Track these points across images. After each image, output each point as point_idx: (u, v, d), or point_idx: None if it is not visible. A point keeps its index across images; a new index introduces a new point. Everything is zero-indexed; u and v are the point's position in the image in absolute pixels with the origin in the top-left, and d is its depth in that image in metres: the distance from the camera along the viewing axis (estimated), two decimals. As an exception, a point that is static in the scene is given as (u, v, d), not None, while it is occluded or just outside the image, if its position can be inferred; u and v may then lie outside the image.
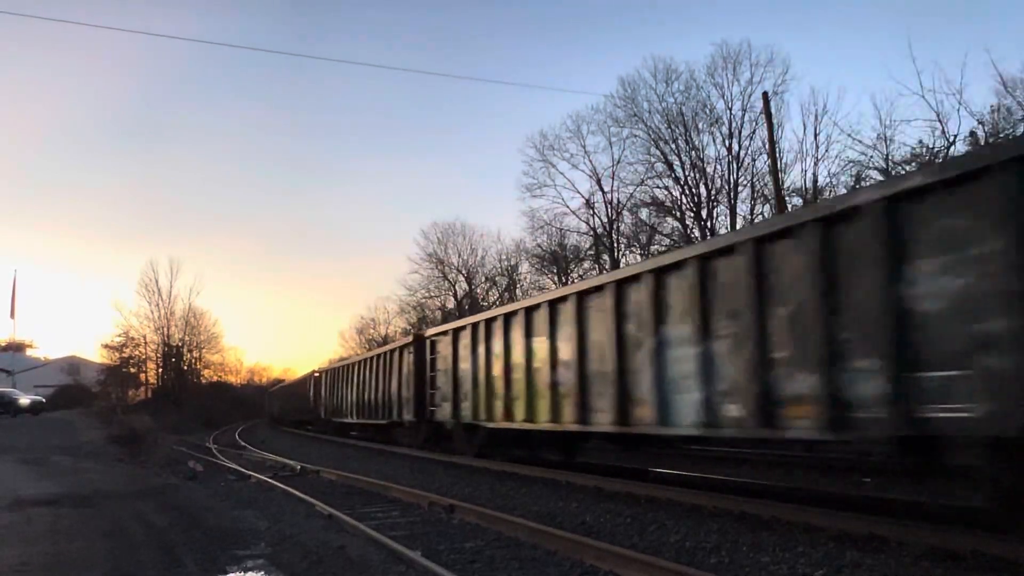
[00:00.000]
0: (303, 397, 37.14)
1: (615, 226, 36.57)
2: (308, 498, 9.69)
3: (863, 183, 25.49)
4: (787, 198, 26.93)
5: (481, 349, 13.60)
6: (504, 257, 45.09)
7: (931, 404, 5.54)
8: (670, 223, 34.27)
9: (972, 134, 23.00)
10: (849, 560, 5.35)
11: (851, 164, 27.32)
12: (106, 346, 55.66)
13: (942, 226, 5.56)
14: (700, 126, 33.04)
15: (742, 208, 32.12)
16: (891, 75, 55.10)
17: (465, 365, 14.35)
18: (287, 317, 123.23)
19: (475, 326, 14.10)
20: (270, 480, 12.43)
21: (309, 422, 35.13)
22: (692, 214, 33.19)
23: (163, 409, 40.63)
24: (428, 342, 16.94)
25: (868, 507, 7.07)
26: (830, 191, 28.20)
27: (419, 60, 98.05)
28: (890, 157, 25.84)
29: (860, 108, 73.75)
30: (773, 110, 25.34)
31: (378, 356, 21.91)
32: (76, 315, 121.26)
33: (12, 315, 54.15)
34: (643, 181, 34.53)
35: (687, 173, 33.12)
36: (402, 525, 7.71)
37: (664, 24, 73.23)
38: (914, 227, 5.77)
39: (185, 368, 58.92)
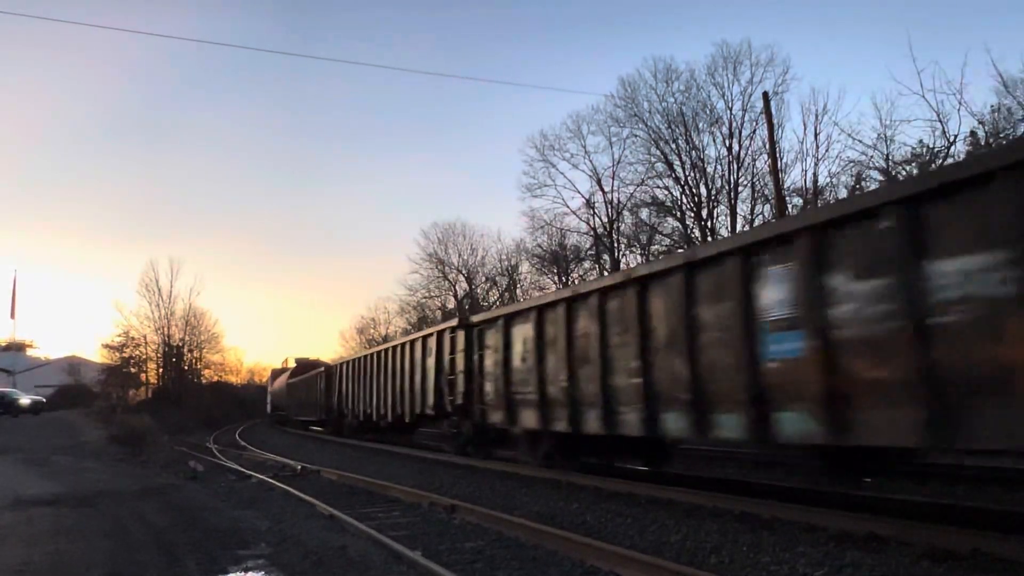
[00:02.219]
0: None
1: (615, 226, 36.60)
2: (309, 498, 9.70)
3: (864, 183, 25.54)
4: (787, 198, 26.95)
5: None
6: (504, 257, 45.18)
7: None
8: (670, 223, 34.29)
9: (972, 134, 23.00)
10: (849, 560, 5.35)
11: (851, 164, 27.34)
12: (106, 346, 55.64)
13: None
14: (700, 126, 33.09)
15: (742, 208, 32.17)
16: (891, 75, 54.96)
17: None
18: (287, 317, 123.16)
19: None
20: (271, 480, 12.43)
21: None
22: (692, 214, 33.23)
23: (163, 409, 40.60)
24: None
25: (868, 507, 7.08)
26: (830, 191, 28.24)
27: (419, 60, 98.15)
28: (890, 157, 25.83)
29: (860, 108, 73.63)
30: (773, 110, 25.35)
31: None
32: (76, 315, 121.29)
33: (12, 315, 54.31)
34: (643, 181, 34.59)
35: (687, 173, 33.17)
36: (403, 525, 7.72)
37: (664, 24, 73.27)
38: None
39: (185, 368, 58.84)
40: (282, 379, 45.61)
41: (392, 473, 12.94)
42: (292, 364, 48.33)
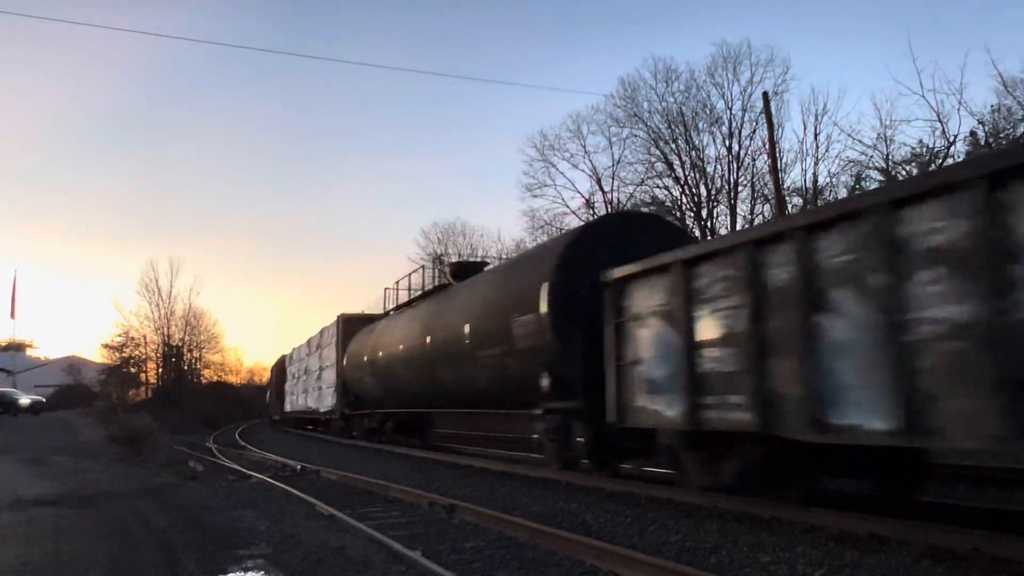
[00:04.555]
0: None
1: (615, 226, 36.52)
2: (308, 498, 9.69)
3: (863, 183, 25.56)
4: (787, 198, 26.97)
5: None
6: (504, 257, 45.03)
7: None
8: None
9: (972, 134, 23.02)
10: (849, 560, 5.35)
11: (851, 164, 27.39)
12: (106, 346, 55.87)
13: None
14: (700, 126, 33.11)
15: (742, 208, 32.20)
16: (891, 75, 55.00)
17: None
18: (287, 317, 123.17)
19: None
20: (270, 480, 12.43)
21: None
22: (692, 214, 33.22)
23: (163, 409, 40.63)
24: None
25: (868, 507, 7.07)
26: (830, 191, 28.26)
27: (419, 60, 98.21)
28: (890, 157, 25.86)
29: (860, 108, 73.65)
30: (773, 110, 25.36)
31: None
32: (76, 315, 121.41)
33: (12, 315, 54.27)
34: (643, 181, 34.57)
35: (687, 173, 33.18)
36: (402, 525, 7.71)
37: (664, 24, 73.24)
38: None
39: (185, 368, 58.95)
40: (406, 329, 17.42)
41: (392, 473, 12.93)
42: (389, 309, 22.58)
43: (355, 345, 22.72)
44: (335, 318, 26.07)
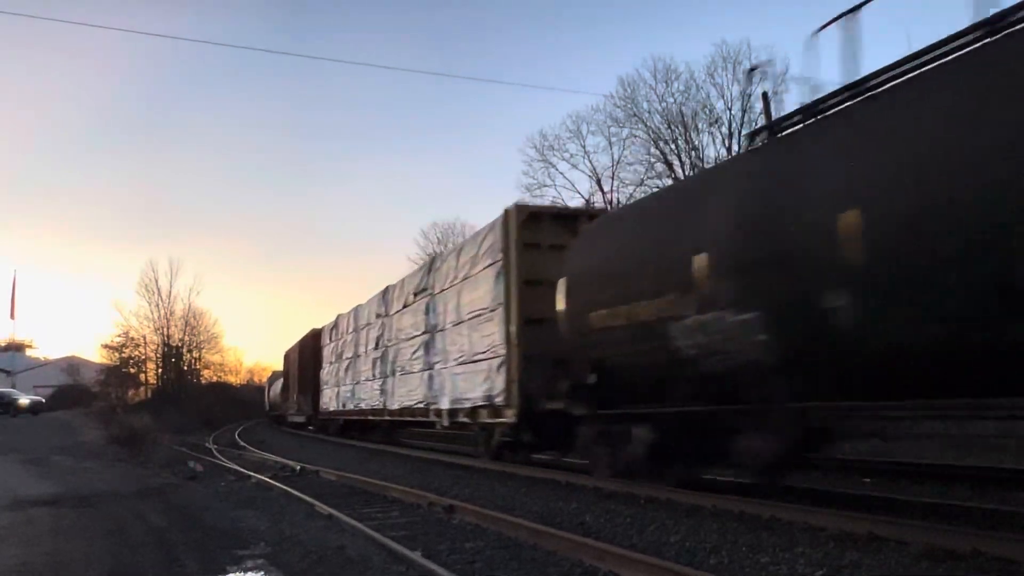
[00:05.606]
0: None
1: (615, 226, 36.51)
2: (308, 498, 9.70)
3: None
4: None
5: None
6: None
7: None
8: (670, 223, 34.26)
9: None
10: (849, 560, 5.34)
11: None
12: (106, 346, 55.89)
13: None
14: (700, 126, 33.16)
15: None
16: (891, 75, 54.93)
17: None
18: (287, 317, 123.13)
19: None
20: (270, 480, 12.42)
21: None
22: (692, 214, 33.23)
23: (163, 409, 40.55)
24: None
25: (868, 507, 7.07)
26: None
27: (419, 60, 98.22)
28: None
29: (860, 108, 73.42)
30: (773, 110, 25.37)
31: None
32: (76, 315, 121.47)
33: (12, 315, 54.29)
34: (643, 181, 34.58)
35: (687, 173, 33.17)
36: (402, 525, 7.71)
37: (664, 24, 73.29)
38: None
39: (185, 368, 58.97)
40: None
41: (391, 473, 12.93)
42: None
43: (605, 258, 9.59)
44: (497, 217, 12.58)
